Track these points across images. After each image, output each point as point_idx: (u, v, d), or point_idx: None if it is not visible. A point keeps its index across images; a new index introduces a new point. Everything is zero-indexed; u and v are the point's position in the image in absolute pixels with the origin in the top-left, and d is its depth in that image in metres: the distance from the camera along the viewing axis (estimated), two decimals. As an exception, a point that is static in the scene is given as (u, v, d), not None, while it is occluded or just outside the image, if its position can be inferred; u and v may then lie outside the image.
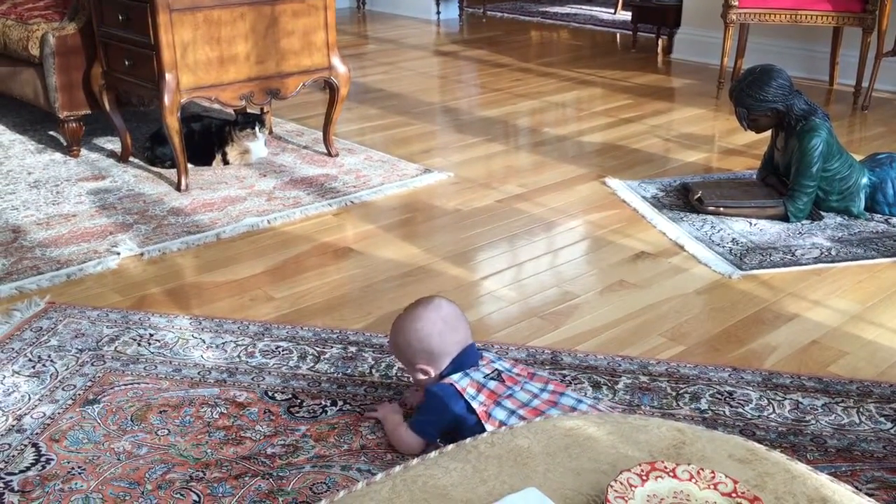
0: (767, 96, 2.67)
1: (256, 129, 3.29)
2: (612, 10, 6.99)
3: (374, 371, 1.92)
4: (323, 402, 1.80)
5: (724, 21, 4.17)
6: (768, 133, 2.91)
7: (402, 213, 2.90)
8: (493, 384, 1.60)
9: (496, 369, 1.64)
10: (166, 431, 1.71)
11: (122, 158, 3.38)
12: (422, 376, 1.66)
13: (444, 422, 1.60)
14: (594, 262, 2.51)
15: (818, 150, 2.64)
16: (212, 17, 2.93)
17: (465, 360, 1.64)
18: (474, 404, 1.56)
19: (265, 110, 3.58)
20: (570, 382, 1.86)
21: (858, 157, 2.85)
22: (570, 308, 2.22)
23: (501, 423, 1.51)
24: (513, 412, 1.54)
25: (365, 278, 2.41)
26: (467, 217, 2.84)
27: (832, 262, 2.44)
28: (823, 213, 2.74)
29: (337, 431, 1.70)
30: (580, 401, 1.58)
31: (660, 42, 5.52)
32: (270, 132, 3.68)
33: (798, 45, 4.62)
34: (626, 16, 6.23)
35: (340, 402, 1.80)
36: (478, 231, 2.73)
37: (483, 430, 1.52)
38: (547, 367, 1.91)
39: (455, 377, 1.61)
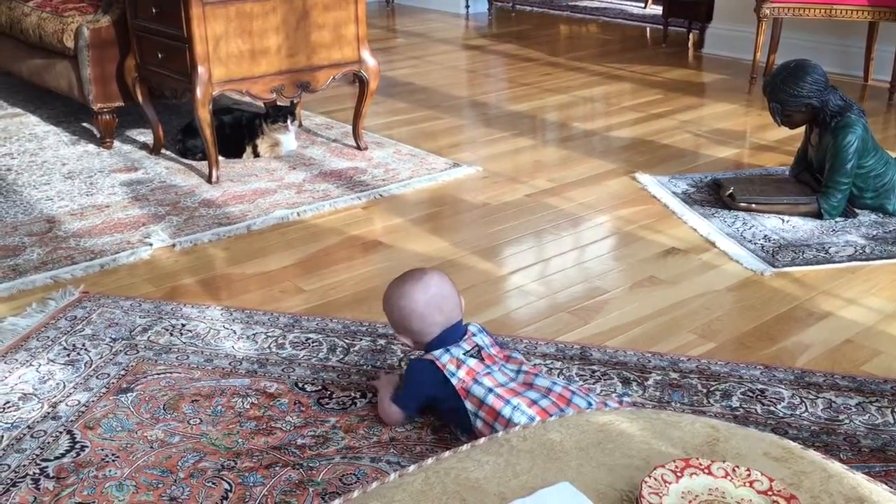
0: (802, 91, 2.64)
1: (288, 121, 3.31)
2: (643, 5, 6.93)
3: (402, 364, 1.92)
4: (352, 394, 1.81)
5: (757, 16, 4.12)
6: (801, 129, 2.87)
7: (431, 206, 2.90)
8: (472, 361, 1.64)
9: (476, 345, 1.68)
10: (198, 421, 1.72)
11: (154, 150, 3.41)
12: (404, 343, 1.74)
13: (421, 396, 1.66)
14: (624, 257, 2.50)
15: (853, 146, 2.60)
16: (244, 10, 2.95)
17: (449, 336, 1.68)
18: (453, 381, 1.60)
19: (295, 103, 3.60)
20: (600, 378, 1.85)
21: (894, 154, 2.81)
22: (599, 304, 2.21)
23: (480, 401, 1.57)
24: (490, 390, 1.58)
25: (393, 271, 2.39)
26: (495, 211, 2.84)
27: (866, 259, 2.41)
28: (858, 211, 2.70)
29: (366, 423, 1.71)
30: (555, 383, 1.62)
31: (691, 37, 5.47)
32: (300, 125, 3.70)
33: (833, 40, 4.56)
34: (657, 10, 6.17)
35: (370, 395, 1.80)
36: (506, 226, 2.72)
37: (462, 406, 1.58)
38: (576, 363, 1.91)
39: (436, 353, 1.65)
